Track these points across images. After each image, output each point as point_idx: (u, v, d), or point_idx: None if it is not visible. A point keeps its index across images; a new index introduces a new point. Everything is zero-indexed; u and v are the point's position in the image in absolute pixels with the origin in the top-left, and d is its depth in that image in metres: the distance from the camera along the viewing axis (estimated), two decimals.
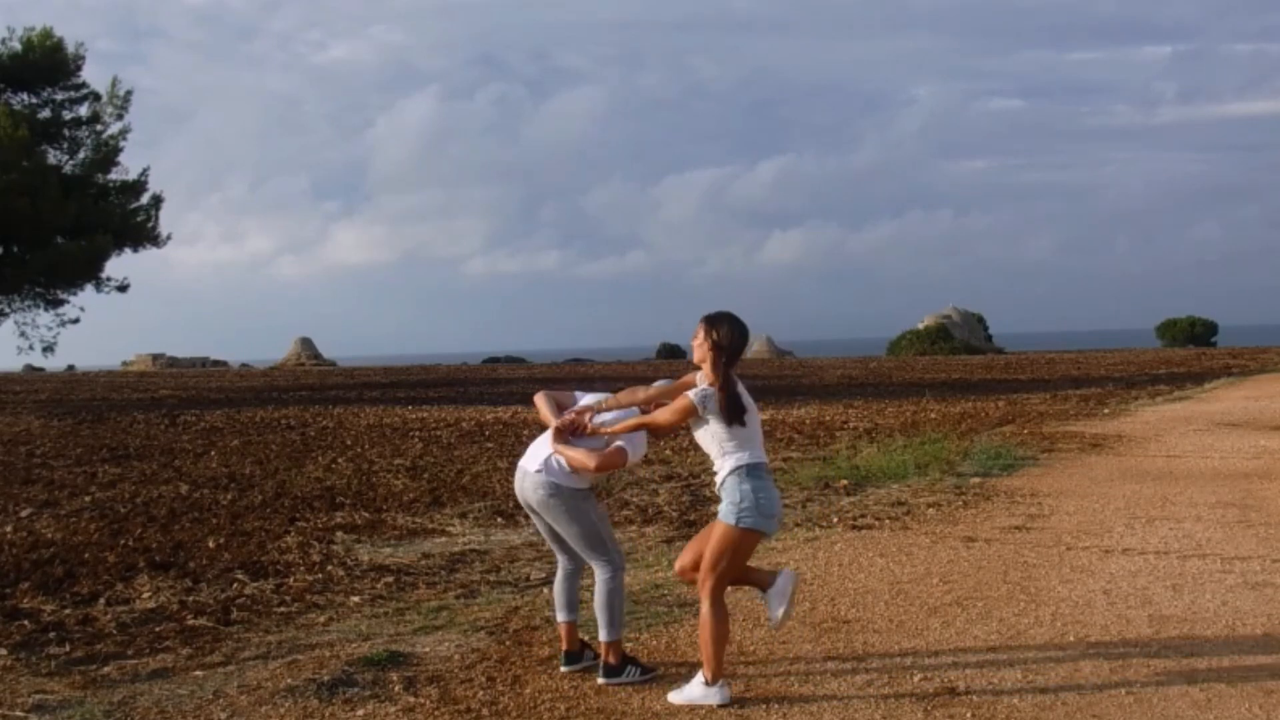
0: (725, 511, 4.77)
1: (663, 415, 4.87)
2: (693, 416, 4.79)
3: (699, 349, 4.87)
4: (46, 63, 32.39)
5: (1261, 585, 6.64)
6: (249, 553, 8.12)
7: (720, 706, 4.70)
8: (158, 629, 6.13)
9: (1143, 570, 7.08)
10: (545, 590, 6.79)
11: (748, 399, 4.87)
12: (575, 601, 5.30)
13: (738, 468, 4.76)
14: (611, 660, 5.04)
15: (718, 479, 4.85)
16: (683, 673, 5.10)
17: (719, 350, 4.80)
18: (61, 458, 14.83)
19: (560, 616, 5.30)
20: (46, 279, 32.00)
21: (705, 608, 4.77)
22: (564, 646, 5.27)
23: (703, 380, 4.89)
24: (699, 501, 10.20)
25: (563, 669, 5.21)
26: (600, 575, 5.07)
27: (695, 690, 4.77)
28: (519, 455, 5.29)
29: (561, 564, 5.28)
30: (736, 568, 4.85)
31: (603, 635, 5.05)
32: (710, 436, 4.82)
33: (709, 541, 4.86)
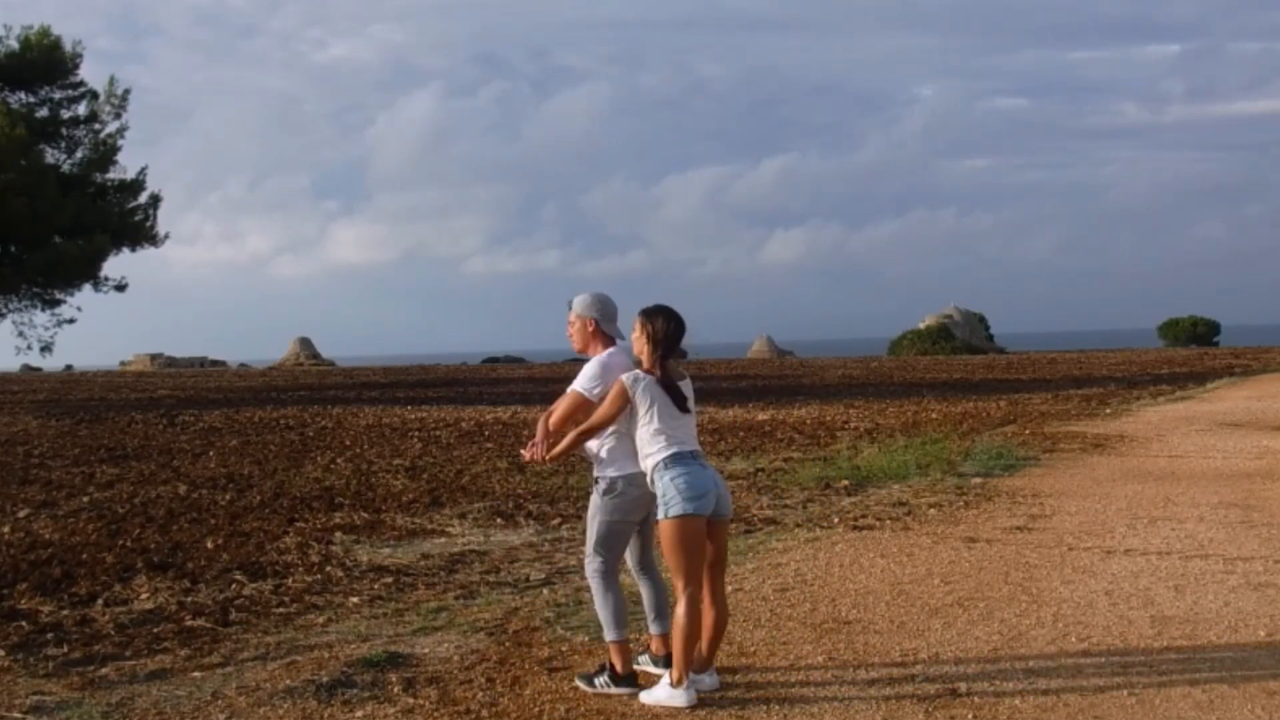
0: (658, 509, 4.78)
1: (600, 411, 4.82)
2: (626, 400, 4.77)
3: (636, 343, 4.91)
4: (44, 61, 32.38)
5: (1264, 586, 6.62)
6: (247, 553, 8.09)
7: (689, 709, 4.65)
8: (156, 630, 6.11)
9: (1145, 571, 7.06)
10: (545, 591, 6.78)
11: (686, 391, 4.89)
12: (662, 611, 5.10)
13: (657, 463, 4.76)
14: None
15: (647, 478, 4.84)
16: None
17: (654, 343, 4.83)
18: (59, 458, 14.80)
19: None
20: (44, 279, 31.98)
21: (679, 609, 4.74)
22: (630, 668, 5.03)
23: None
24: None
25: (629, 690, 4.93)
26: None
27: (661, 692, 4.74)
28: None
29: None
30: (695, 558, 4.75)
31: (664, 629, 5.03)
32: (637, 429, 4.81)
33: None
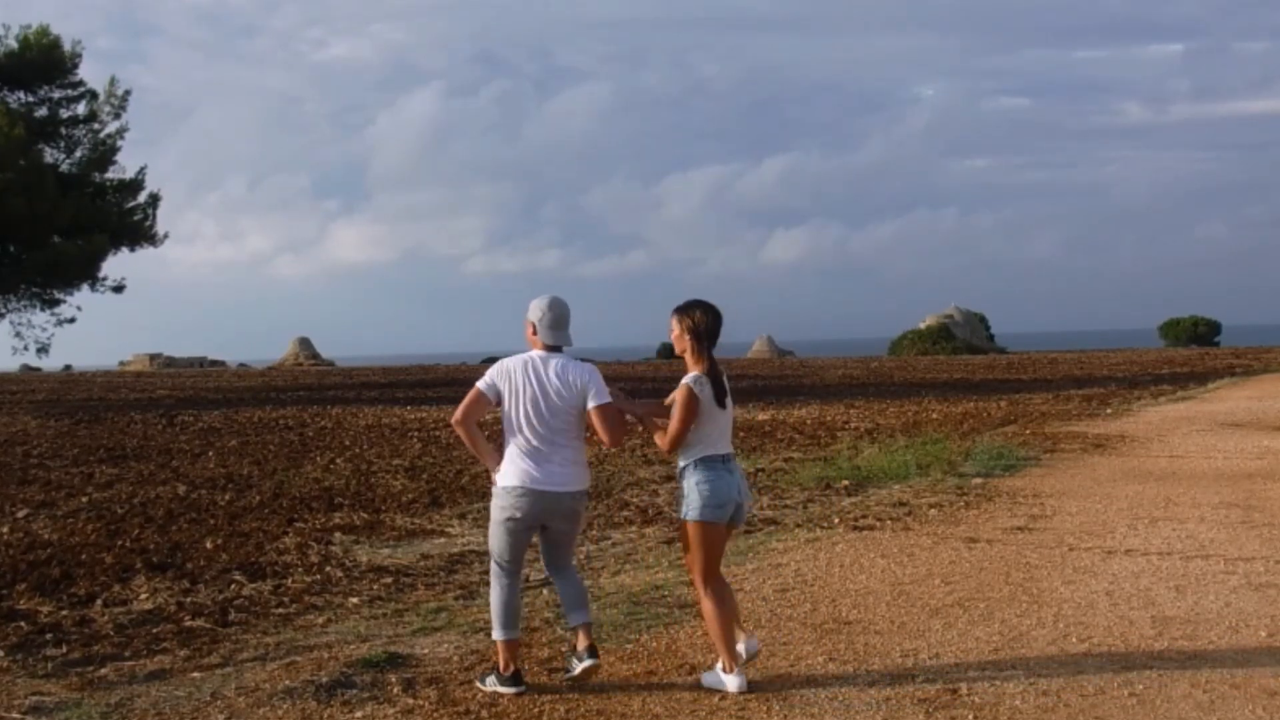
0: (679, 508, 4.92)
1: (675, 420, 4.84)
2: (696, 403, 4.83)
3: (678, 342, 4.98)
4: (43, 61, 32.33)
5: (1265, 586, 6.61)
6: (247, 554, 8.08)
7: (740, 693, 4.79)
8: (155, 630, 6.10)
9: (1145, 571, 7.05)
10: (545, 591, 6.76)
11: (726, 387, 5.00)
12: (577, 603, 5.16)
13: (687, 463, 4.87)
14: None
15: (678, 472, 4.96)
16: (683, 674, 5.13)
17: (697, 336, 4.90)
18: (58, 458, 14.79)
19: (515, 633, 5.02)
20: (43, 279, 31.94)
21: (706, 604, 4.92)
22: (514, 666, 4.91)
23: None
24: None
25: (514, 690, 4.85)
26: (574, 569, 5.19)
27: (714, 676, 4.90)
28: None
29: (514, 577, 5.06)
30: (712, 557, 4.92)
31: (584, 619, 4.99)
32: None
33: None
